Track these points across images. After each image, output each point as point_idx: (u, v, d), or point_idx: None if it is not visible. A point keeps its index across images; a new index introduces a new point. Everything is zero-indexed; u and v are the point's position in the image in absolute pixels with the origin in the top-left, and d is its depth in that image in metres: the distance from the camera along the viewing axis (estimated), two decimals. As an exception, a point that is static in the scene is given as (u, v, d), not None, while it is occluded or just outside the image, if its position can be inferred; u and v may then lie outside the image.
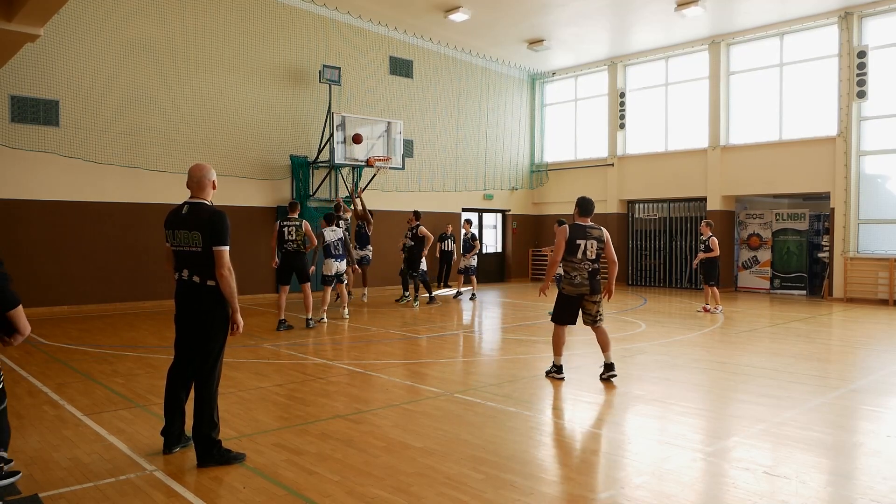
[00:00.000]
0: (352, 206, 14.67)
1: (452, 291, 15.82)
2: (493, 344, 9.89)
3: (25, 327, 3.52)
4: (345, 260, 11.35)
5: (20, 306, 3.51)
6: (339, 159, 14.76)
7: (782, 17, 15.69)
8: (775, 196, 17.50)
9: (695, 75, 17.92)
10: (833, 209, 15.35)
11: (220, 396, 4.67)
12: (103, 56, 12.76)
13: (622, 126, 19.25)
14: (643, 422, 5.56)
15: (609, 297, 6.99)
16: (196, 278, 4.34)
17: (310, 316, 10.45)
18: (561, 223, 7.74)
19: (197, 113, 13.97)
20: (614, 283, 7.04)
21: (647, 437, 5.08)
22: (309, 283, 10.45)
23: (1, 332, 3.50)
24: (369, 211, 14.53)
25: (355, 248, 14.06)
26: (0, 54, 9.69)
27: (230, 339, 4.52)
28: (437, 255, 15.86)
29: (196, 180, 4.49)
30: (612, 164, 19.39)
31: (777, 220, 17.19)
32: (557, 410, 5.91)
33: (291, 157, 15.41)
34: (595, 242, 6.78)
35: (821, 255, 16.19)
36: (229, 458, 4.35)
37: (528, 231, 21.37)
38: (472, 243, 15.19)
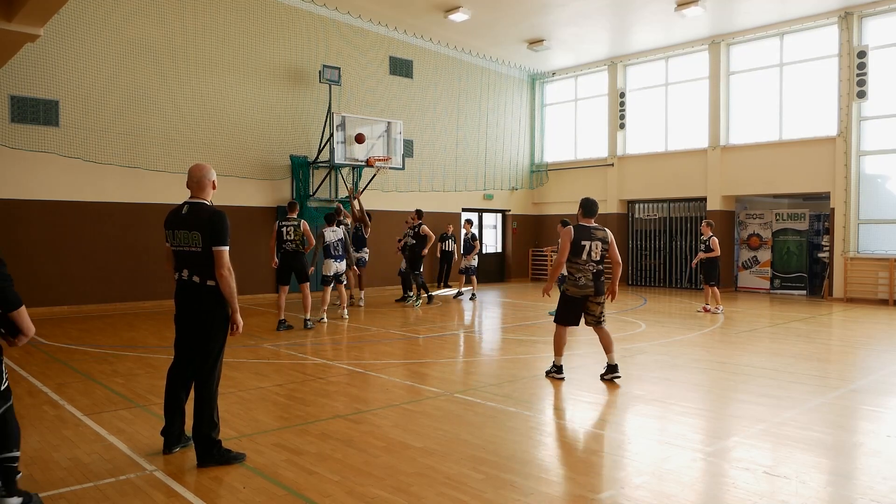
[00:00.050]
0: (350, 209, 14.64)
1: (453, 291, 15.83)
2: (493, 344, 9.89)
3: (29, 328, 3.52)
4: (344, 261, 11.37)
5: (23, 307, 3.50)
6: (339, 159, 14.76)
7: (782, 17, 15.69)
8: (775, 196, 17.50)
9: (695, 75, 17.92)
10: (833, 209, 15.35)
11: (220, 396, 4.67)
12: (103, 56, 12.76)
13: (622, 126, 19.25)
14: (643, 422, 5.56)
15: (612, 299, 6.99)
16: (196, 278, 4.34)
17: (308, 316, 10.44)
18: (565, 224, 7.70)
19: (197, 113, 13.97)
20: (617, 284, 7.04)
21: (648, 437, 5.08)
22: (308, 284, 10.44)
23: (5, 333, 3.50)
24: (367, 213, 14.48)
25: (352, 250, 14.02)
26: (0, 54, 9.70)
27: (230, 339, 4.52)
28: (438, 255, 15.87)
29: (196, 180, 4.49)
30: (612, 164, 19.39)
31: (777, 220, 17.18)
32: (558, 410, 5.91)
33: (291, 157, 15.42)
34: (600, 244, 6.75)
35: (821, 255, 16.19)
36: (229, 458, 4.35)
37: (528, 231, 21.37)
38: (472, 243, 15.19)
